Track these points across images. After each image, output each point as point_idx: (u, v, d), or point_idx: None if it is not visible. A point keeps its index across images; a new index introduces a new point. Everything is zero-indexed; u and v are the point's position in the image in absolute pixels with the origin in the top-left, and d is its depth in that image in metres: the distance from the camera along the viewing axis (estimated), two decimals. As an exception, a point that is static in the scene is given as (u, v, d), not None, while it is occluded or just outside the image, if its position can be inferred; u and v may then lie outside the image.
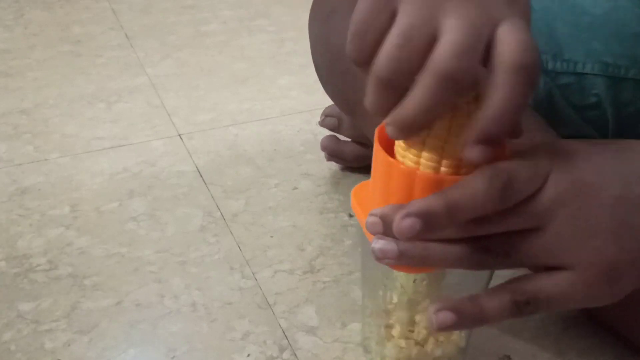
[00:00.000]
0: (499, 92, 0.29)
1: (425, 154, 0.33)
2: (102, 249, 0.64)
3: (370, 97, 0.31)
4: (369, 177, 0.38)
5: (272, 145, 0.83)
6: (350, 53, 0.31)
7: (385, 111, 0.31)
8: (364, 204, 0.37)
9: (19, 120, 0.89)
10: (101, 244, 0.65)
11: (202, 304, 0.57)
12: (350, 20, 0.31)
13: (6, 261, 0.62)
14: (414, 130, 0.31)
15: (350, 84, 0.58)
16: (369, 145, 0.72)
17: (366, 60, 0.31)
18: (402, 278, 0.40)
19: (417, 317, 0.41)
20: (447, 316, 0.33)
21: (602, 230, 0.32)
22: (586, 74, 0.51)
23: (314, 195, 0.73)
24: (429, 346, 0.42)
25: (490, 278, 0.39)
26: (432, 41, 0.29)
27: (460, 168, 0.33)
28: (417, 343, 0.42)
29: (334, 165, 0.78)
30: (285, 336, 0.54)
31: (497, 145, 0.32)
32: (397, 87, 0.30)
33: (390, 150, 0.35)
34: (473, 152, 0.31)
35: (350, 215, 0.69)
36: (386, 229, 0.33)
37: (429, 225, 0.31)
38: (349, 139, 0.76)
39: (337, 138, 0.75)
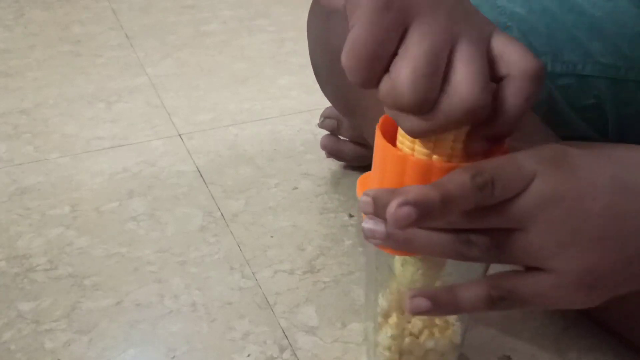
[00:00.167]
0: (515, 99, 0.31)
1: (418, 144, 0.34)
2: (102, 248, 0.64)
3: (407, 123, 0.31)
4: (368, 177, 0.38)
5: (272, 145, 0.83)
6: (355, 78, 0.31)
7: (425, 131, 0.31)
8: (366, 189, 0.38)
9: (19, 120, 0.89)
10: (101, 243, 0.65)
11: (202, 304, 0.57)
12: (351, 40, 0.30)
13: (6, 261, 0.62)
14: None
15: (351, 84, 0.58)
16: (368, 146, 0.72)
17: (374, 84, 0.31)
18: (397, 268, 0.40)
19: None
20: (421, 302, 0.34)
21: (584, 238, 0.32)
22: (586, 75, 0.51)
23: (314, 195, 0.73)
24: (422, 338, 0.42)
25: (485, 273, 0.39)
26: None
27: (451, 158, 0.34)
28: (411, 334, 0.43)
29: (334, 165, 0.78)
30: (286, 336, 0.54)
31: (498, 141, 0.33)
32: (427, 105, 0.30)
33: (392, 141, 0.36)
34: (476, 145, 0.32)
35: (351, 215, 0.69)
36: (377, 210, 0.33)
37: (424, 215, 0.31)
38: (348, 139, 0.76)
39: (337, 137, 0.75)
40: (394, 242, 0.34)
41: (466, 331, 0.45)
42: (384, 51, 0.29)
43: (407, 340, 0.43)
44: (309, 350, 0.52)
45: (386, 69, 0.30)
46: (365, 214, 0.34)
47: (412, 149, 0.34)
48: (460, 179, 0.32)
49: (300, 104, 0.94)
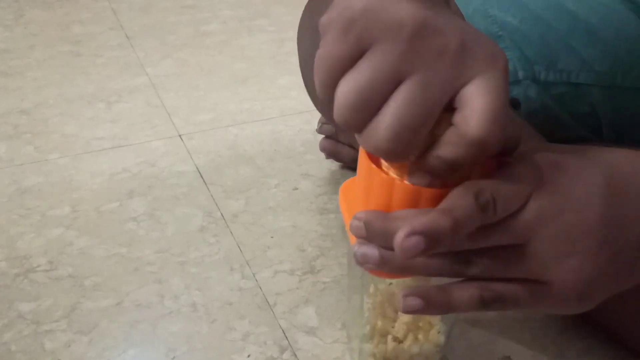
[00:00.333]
0: (445, 152, 0.29)
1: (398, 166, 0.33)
2: (102, 249, 0.64)
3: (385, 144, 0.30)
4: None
5: (272, 145, 0.83)
6: (346, 124, 0.29)
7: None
8: (349, 200, 0.38)
9: (19, 120, 0.89)
10: (101, 244, 0.65)
11: (202, 304, 0.57)
12: (345, 90, 0.29)
13: (6, 261, 0.62)
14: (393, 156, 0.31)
15: None
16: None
17: (362, 128, 0.30)
18: (378, 281, 0.40)
19: (398, 313, 0.42)
20: (414, 301, 0.34)
21: (581, 250, 0.32)
22: (580, 83, 0.51)
23: (314, 196, 0.73)
24: (407, 343, 0.42)
25: None
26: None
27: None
28: (395, 339, 0.43)
29: (334, 166, 0.78)
30: (286, 336, 0.54)
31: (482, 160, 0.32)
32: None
33: (373, 156, 0.35)
34: (416, 179, 0.32)
35: (350, 216, 0.69)
36: (369, 235, 0.33)
37: (433, 244, 0.30)
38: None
39: (336, 140, 0.76)
40: (389, 266, 0.33)
41: (451, 332, 0.45)
42: (339, 70, 0.29)
43: (391, 345, 0.43)
44: (309, 351, 0.52)
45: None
46: (357, 237, 0.34)
47: (390, 169, 0.33)
48: (465, 201, 0.31)
49: (300, 104, 0.94)
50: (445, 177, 0.31)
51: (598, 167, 0.33)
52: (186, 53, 1.12)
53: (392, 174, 0.33)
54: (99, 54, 1.11)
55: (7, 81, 1.00)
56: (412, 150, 0.30)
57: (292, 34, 1.20)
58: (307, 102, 0.94)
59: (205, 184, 0.75)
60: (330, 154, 0.76)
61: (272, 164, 0.79)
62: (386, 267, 0.33)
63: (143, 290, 0.59)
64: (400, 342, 0.43)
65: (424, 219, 0.30)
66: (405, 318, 0.42)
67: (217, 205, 0.71)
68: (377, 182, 0.34)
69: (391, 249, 0.31)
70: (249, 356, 0.52)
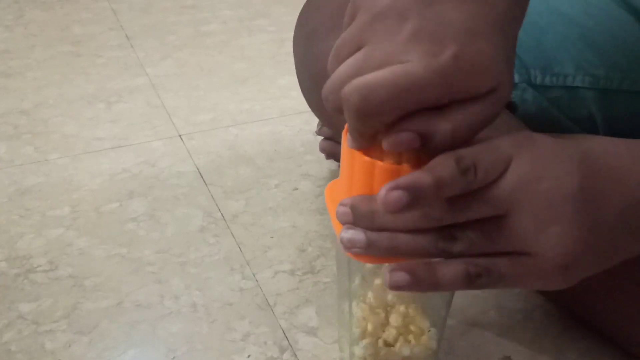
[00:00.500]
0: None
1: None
2: (102, 249, 0.64)
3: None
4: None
5: (272, 145, 0.83)
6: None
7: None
8: (334, 196, 0.38)
9: (19, 121, 0.89)
10: (101, 244, 0.65)
11: (202, 304, 0.57)
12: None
13: (6, 262, 0.62)
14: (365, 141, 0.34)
15: None
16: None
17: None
18: (367, 276, 0.40)
19: (389, 317, 0.42)
20: (401, 276, 0.34)
21: (564, 218, 0.33)
22: (576, 87, 0.51)
23: (314, 196, 0.73)
24: (398, 346, 0.42)
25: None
26: None
27: (420, 164, 0.34)
28: (386, 343, 0.43)
29: (334, 166, 0.78)
30: (286, 337, 0.54)
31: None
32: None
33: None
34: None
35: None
36: (356, 218, 0.34)
37: (416, 199, 0.31)
38: None
39: (335, 141, 0.76)
40: (376, 249, 0.34)
41: (442, 337, 0.45)
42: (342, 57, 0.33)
43: (383, 350, 0.43)
44: (309, 351, 0.52)
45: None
46: (344, 224, 0.34)
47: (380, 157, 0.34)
48: (446, 164, 0.32)
49: (300, 104, 0.94)
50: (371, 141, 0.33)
51: (574, 146, 0.34)
52: (186, 53, 1.12)
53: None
54: (99, 54, 1.11)
55: (7, 81, 1.00)
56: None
57: (292, 34, 1.20)
58: (307, 102, 0.94)
59: (206, 184, 0.75)
60: (330, 155, 0.77)
61: (272, 164, 0.79)
62: (372, 249, 0.34)
63: (143, 291, 0.59)
64: (392, 345, 0.43)
65: (406, 176, 0.32)
66: (395, 322, 0.42)
67: (217, 205, 0.71)
68: (359, 166, 0.34)
69: (377, 230, 0.33)
70: (249, 356, 0.52)
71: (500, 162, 0.33)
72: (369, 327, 0.43)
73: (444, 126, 0.31)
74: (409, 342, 0.42)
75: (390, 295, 0.42)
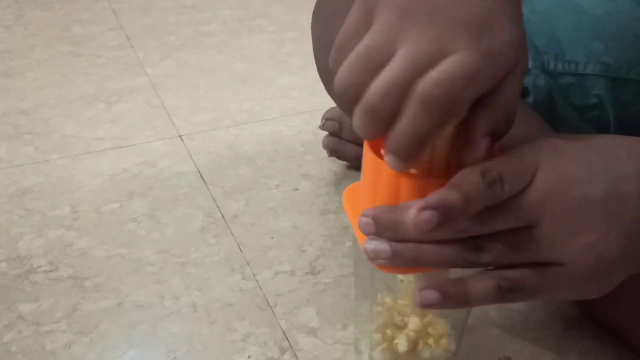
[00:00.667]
0: (402, 120, 0.30)
1: None
2: (103, 249, 0.64)
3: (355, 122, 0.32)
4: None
5: (273, 145, 0.83)
6: (347, 85, 0.32)
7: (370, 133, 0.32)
8: (355, 204, 0.38)
9: (19, 121, 0.89)
10: (101, 244, 0.65)
11: (203, 305, 0.57)
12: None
13: (7, 262, 0.62)
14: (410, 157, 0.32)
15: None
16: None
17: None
18: (390, 280, 0.40)
19: (407, 320, 0.42)
20: (431, 294, 0.34)
21: (592, 226, 0.32)
22: (587, 74, 0.51)
23: (315, 196, 0.73)
24: (418, 349, 0.42)
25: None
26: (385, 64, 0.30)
27: (447, 173, 0.33)
28: (406, 346, 0.42)
29: (334, 166, 0.78)
30: (286, 337, 0.54)
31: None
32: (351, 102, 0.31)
33: (379, 151, 0.35)
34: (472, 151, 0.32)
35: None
36: (378, 229, 0.33)
37: (446, 218, 0.31)
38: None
39: (339, 138, 0.75)
40: (401, 260, 0.33)
41: (461, 339, 0.45)
42: (350, 42, 0.32)
43: (402, 351, 0.42)
44: (309, 352, 0.52)
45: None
46: (367, 235, 0.34)
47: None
48: (472, 177, 0.31)
49: (300, 104, 0.94)
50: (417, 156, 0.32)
51: (596, 149, 0.34)
52: (186, 53, 1.12)
53: None
54: (99, 54, 1.11)
55: (7, 81, 1.00)
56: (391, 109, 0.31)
57: (292, 34, 1.20)
58: (308, 103, 0.94)
59: (206, 184, 0.75)
60: (333, 152, 0.76)
61: (273, 165, 0.79)
62: (397, 260, 0.33)
63: (143, 291, 0.59)
64: (411, 349, 0.42)
65: (434, 195, 0.31)
66: (414, 326, 0.42)
67: (217, 205, 0.71)
68: (384, 175, 0.34)
69: (401, 241, 0.32)
70: (249, 357, 0.52)
71: (525, 173, 0.32)
72: (388, 331, 0.42)
73: (502, 114, 0.31)
74: (429, 345, 0.42)
75: (404, 295, 0.42)
